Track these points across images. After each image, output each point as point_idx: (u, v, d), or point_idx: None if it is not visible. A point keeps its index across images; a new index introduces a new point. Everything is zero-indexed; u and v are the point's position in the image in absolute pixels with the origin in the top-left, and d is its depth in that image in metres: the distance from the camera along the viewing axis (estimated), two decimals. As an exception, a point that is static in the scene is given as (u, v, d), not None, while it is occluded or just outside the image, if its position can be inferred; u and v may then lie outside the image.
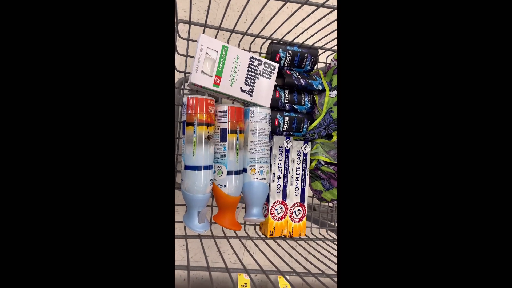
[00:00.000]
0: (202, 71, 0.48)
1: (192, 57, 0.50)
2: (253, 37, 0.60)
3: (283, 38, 0.60)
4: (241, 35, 0.59)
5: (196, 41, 0.50)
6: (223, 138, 0.50)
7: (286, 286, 1.04)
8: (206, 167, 0.48)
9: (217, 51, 0.49)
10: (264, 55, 0.61)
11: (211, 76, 0.49)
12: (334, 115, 0.58)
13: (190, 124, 0.48)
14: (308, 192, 0.60)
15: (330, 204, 0.86)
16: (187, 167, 0.47)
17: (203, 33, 0.52)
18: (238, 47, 0.53)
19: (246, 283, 1.03)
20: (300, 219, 0.59)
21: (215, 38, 0.52)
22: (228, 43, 0.51)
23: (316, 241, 0.62)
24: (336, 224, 0.75)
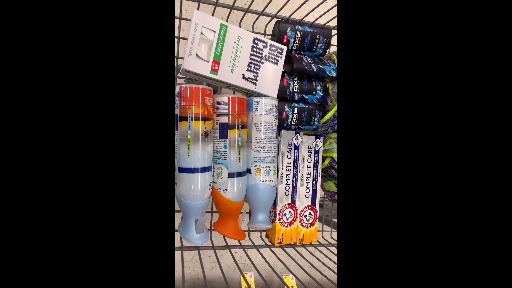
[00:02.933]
0: (197, 55, 0.41)
1: (185, 39, 0.42)
2: (257, 15, 0.52)
3: (291, 17, 0.52)
4: (242, 13, 0.51)
5: (189, 19, 0.42)
6: (223, 134, 0.43)
7: (292, 286, 0.99)
8: (204, 169, 0.41)
9: (215, 31, 0.41)
10: (269, 36, 0.53)
11: (208, 62, 0.41)
12: (351, 106, 0.50)
13: (183, 118, 0.40)
14: (319, 193, 0.53)
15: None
16: (182, 170, 0.40)
17: (197, 9, 0.44)
18: (239, 27, 0.45)
19: (250, 284, 0.98)
20: (311, 224, 0.52)
21: (212, 15, 0.44)
22: (227, 22, 0.43)
23: (328, 247, 0.56)
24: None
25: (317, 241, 0.54)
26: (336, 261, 0.49)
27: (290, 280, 1.03)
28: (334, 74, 0.51)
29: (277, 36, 0.49)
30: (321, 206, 0.82)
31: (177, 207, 0.45)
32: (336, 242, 0.58)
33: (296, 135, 0.51)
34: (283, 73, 0.49)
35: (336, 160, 0.52)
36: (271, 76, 0.46)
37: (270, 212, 0.51)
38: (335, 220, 0.71)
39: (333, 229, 0.65)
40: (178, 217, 0.44)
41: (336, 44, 0.61)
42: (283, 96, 0.49)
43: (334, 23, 0.56)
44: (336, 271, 0.46)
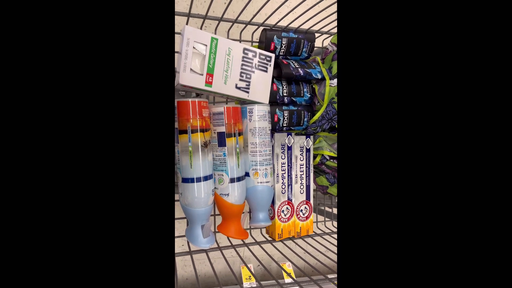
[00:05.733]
0: (191, 69, 0.42)
1: (176, 52, 0.43)
2: (244, 25, 0.53)
3: (277, 24, 0.54)
4: (228, 24, 0.52)
5: (179, 33, 0.43)
6: (221, 143, 0.46)
7: (290, 273, 1.05)
8: (206, 178, 0.43)
9: (206, 45, 0.43)
10: (256, 43, 0.55)
11: (202, 75, 0.43)
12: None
13: (183, 131, 0.42)
14: (312, 188, 0.57)
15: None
16: (185, 180, 0.43)
17: (187, 23, 0.45)
18: (227, 38, 0.46)
19: (250, 276, 1.03)
20: (307, 217, 0.57)
21: (201, 28, 0.45)
22: (215, 33, 0.45)
23: (323, 236, 0.61)
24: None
25: (313, 231, 0.58)
26: (328, 247, 0.54)
27: (287, 267, 1.09)
28: (319, 76, 0.54)
29: (265, 43, 0.51)
30: (313, 197, 0.87)
31: (182, 214, 0.48)
32: (330, 231, 0.62)
33: (288, 136, 0.54)
34: (272, 78, 0.52)
35: (326, 157, 0.56)
36: (262, 83, 0.48)
37: (269, 210, 0.55)
38: (328, 209, 0.76)
39: (326, 219, 0.70)
40: (183, 223, 0.46)
41: (317, 46, 0.64)
42: (274, 101, 0.52)
43: (317, 27, 0.58)
44: (327, 256, 0.50)
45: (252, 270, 1.04)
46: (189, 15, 0.49)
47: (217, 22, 0.51)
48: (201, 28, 0.46)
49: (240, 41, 0.50)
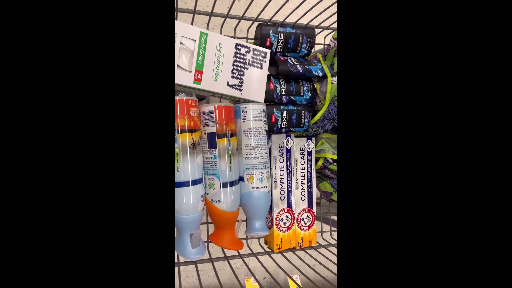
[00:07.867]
0: (178, 66, 0.40)
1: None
2: (237, 20, 0.51)
3: (273, 19, 0.51)
4: (221, 20, 0.50)
5: (168, 30, 0.41)
6: (212, 144, 0.42)
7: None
8: (195, 182, 0.40)
9: (195, 40, 0.40)
10: (252, 40, 0.52)
11: (190, 71, 0.40)
12: (340, 104, 0.49)
13: (169, 132, 0.39)
14: (316, 194, 0.52)
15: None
16: (172, 184, 0.39)
17: (176, 19, 0.43)
18: (220, 33, 0.44)
19: (254, 289, 0.97)
20: (309, 227, 0.52)
21: (191, 23, 0.43)
22: (207, 29, 0.42)
23: (328, 248, 0.55)
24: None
25: (317, 242, 0.53)
26: (333, 260, 0.49)
27: (294, 282, 1.03)
28: (320, 74, 0.50)
29: (260, 39, 0.48)
30: (318, 204, 0.82)
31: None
32: (336, 242, 0.57)
33: (287, 138, 0.50)
34: (269, 76, 0.49)
35: (329, 160, 0.51)
36: (256, 81, 0.45)
37: (266, 218, 0.50)
38: (334, 218, 0.71)
39: (333, 228, 0.64)
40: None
41: (319, 43, 0.60)
42: (271, 100, 0.49)
43: (316, 22, 0.55)
44: (330, 269, 0.45)
45: (256, 283, 0.98)
46: (176, 9, 0.47)
47: (208, 17, 0.49)
48: (191, 24, 0.44)
49: (234, 37, 0.47)
